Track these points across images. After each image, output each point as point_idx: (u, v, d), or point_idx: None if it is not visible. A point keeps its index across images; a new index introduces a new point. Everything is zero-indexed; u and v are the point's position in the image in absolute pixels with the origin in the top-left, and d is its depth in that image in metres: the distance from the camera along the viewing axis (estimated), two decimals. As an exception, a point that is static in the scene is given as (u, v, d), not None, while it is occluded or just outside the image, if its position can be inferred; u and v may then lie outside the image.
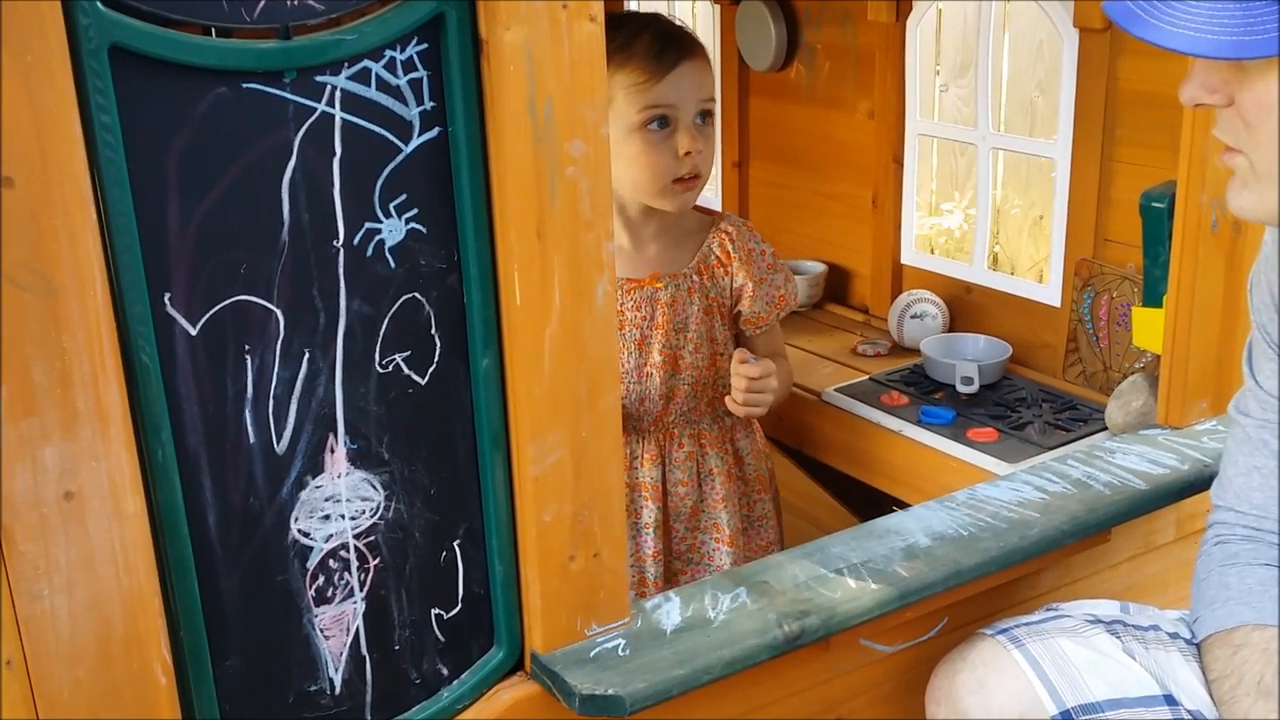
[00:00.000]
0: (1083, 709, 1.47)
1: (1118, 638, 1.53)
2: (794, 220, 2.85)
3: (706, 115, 1.94)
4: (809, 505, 2.53)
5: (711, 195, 3.06)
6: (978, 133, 2.45)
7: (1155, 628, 1.56)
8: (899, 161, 2.56)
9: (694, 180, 1.95)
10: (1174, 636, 1.54)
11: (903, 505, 2.23)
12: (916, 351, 2.43)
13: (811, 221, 2.82)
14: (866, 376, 2.38)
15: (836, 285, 2.79)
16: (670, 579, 2.10)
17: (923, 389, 2.29)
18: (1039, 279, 3.56)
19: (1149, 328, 1.91)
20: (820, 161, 2.76)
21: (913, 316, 2.48)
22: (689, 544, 2.11)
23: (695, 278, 2.02)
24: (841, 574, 1.53)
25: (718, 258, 2.03)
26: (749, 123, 2.92)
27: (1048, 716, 1.47)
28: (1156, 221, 1.88)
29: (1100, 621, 1.56)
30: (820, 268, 2.77)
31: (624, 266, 2.02)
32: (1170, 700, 1.49)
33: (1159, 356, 1.92)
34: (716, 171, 2.99)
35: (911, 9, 2.47)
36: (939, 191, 3.56)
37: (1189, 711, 1.48)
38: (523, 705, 1.40)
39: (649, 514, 2.06)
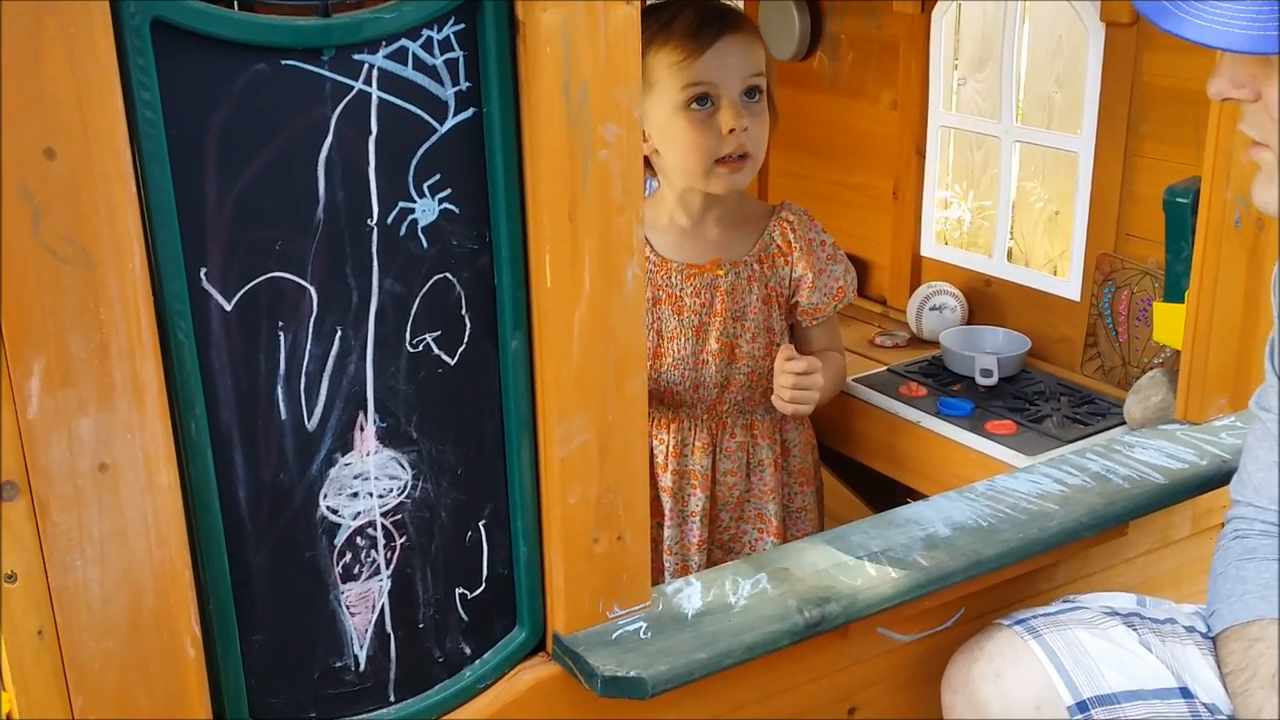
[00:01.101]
0: (1099, 700, 1.47)
1: (1134, 630, 1.54)
2: (813, 210, 2.79)
3: (755, 91, 1.91)
4: (825, 496, 2.53)
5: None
6: (1001, 125, 2.45)
7: (1171, 620, 1.56)
8: (921, 153, 2.56)
9: (741, 161, 1.91)
10: (1190, 630, 1.55)
11: (916, 496, 2.24)
12: (935, 343, 2.43)
13: (831, 212, 2.80)
14: (885, 367, 2.38)
15: (855, 276, 2.79)
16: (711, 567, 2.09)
17: (941, 381, 2.29)
18: (1053, 273, 3.56)
19: (1170, 323, 1.92)
20: (841, 152, 2.76)
21: (932, 308, 2.48)
22: (732, 533, 2.11)
23: (755, 266, 2.01)
24: (862, 562, 1.53)
25: (779, 246, 2.02)
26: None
27: (1064, 707, 1.48)
28: (1180, 217, 1.89)
29: (1117, 614, 1.57)
30: (839, 258, 2.77)
31: (685, 252, 2.01)
32: (1186, 693, 1.49)
33: (1178, 352, 1.92)
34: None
35: (937, 1, 2.47)
36: (952, 184, 3.56)
37: (1204, 704, 1.48)
38: (544, 686, 1.41)
39: (697, 502, 2.06)
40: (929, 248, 2.61)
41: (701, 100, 1.88)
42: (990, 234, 3.92)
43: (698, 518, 2.06)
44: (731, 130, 1.87)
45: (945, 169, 2.69)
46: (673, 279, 1.99)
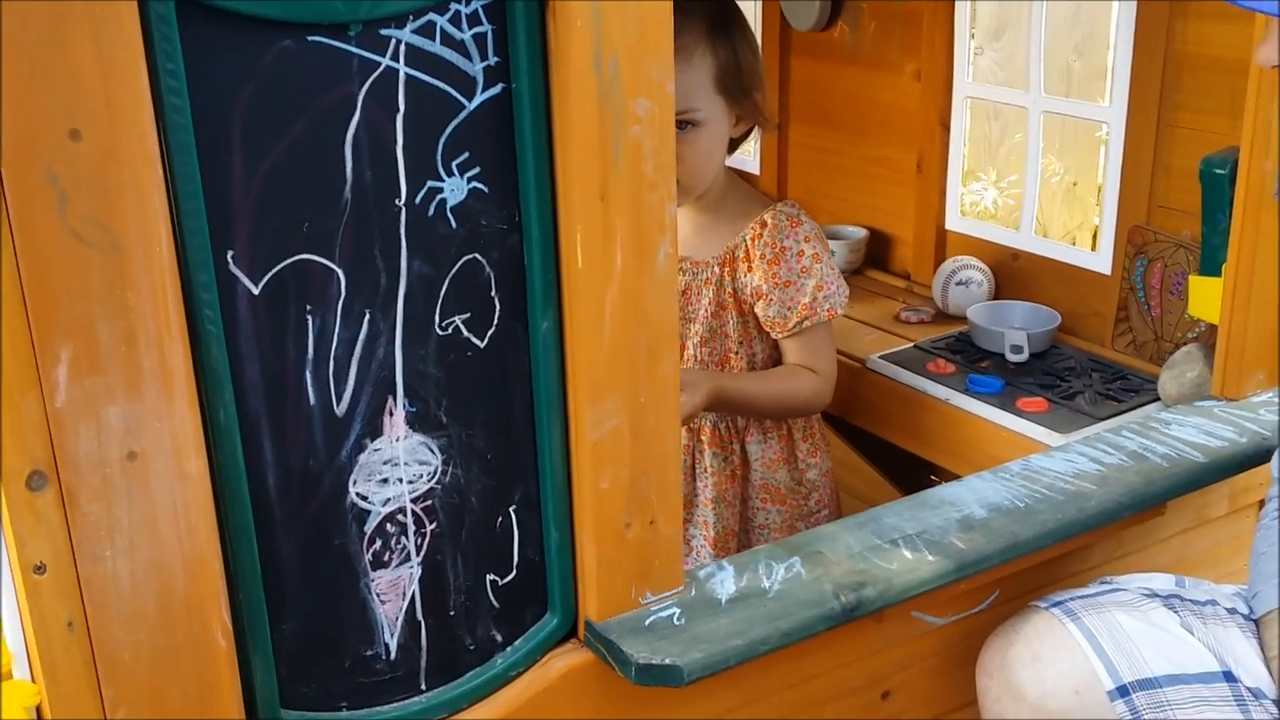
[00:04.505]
0: (1140, 684, 1.45)
1: (1175, 612, 1.52)
2: (835, 184, 2.82)
3: (684, 124, 1.80)
4: (847, 474, 2.51)
5: (749, 158, 3.02)
6: (1029, 96, 2.40)
7: (1213, 602, 1.54)
8: (945, 125, 2.52)
9: None
10: (1232, 612, 1.53)
11: (941, 474, 2.21)
12: (960, 319, 2.40)
13: (853, 186, 2.78)
14: (911, 344, 2.35)
15: (877, 251, 2.75)
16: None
17: (969, 357, 2.26)
18: (1071, 244, 3.52)
19: (1206, 297, 1.88)
20: (863, 125, 2.72)
21: (958, 283, 2.45)
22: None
23: (716, 269, 1.93)
24: (897, 545, 1.51)
25: (745, 251, 1.92)
26: (790, 84, 2.87)
27: (1104, 691, 1.46)
28: (1217, 188, 1.85)
29: (1156, 595, 1.54)
30: (861, 233, 2.73)
31: None
32: (1229, 677, 1.47)
33: (1213, 326, 1.89)
34: (755, 135, 2.94)
35: (962, -30, 2.43)
36: (971, 158, 3.53)
37: (1248, 688, 1.46)
38: (576, 673, 1.39)
39: None
40: (954, 221, 2.57)
41: None
42: (1009, 207, 3.89)
43: None
44: None
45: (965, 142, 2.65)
46: None
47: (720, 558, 1.97)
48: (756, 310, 1.93)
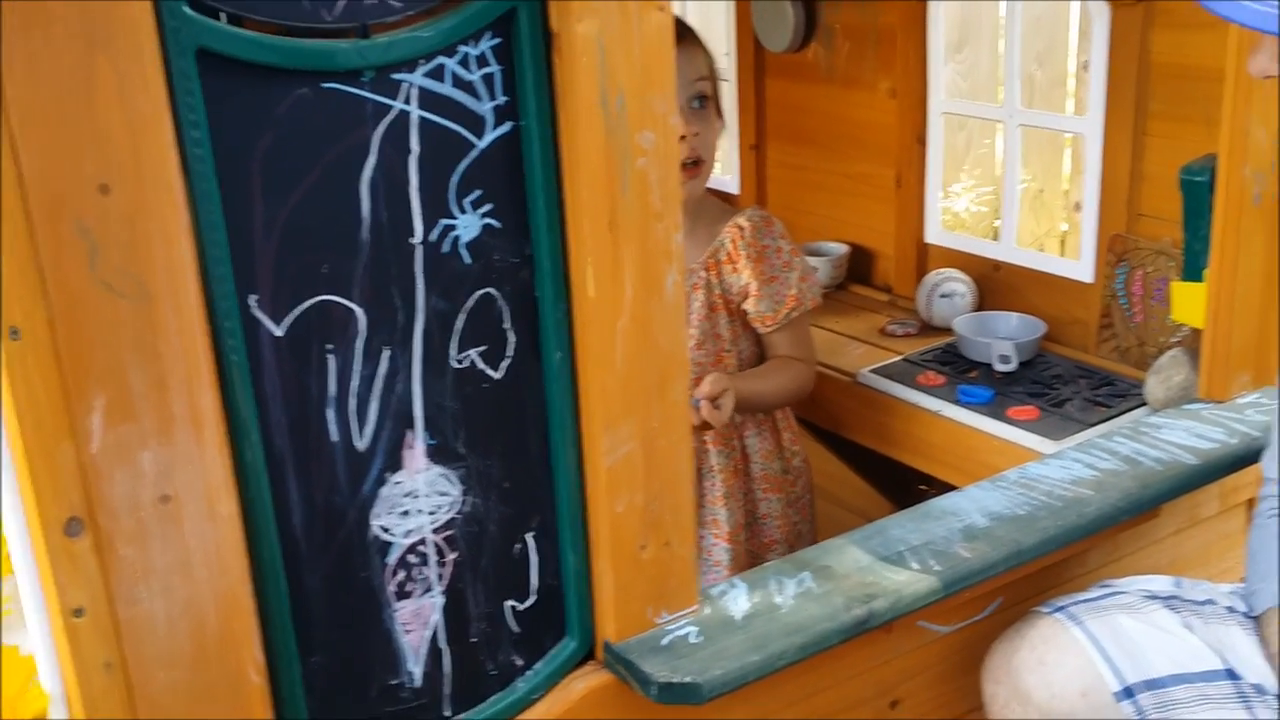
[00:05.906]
0: (1145, 685, 1.48)
1: (1176, 612, 1.55)
2: (813, 202, 2.85)
3: (703, 99, 1.92)
4: (837, 488, 2.54)
5: (729, 178, 3.05)
6: (1004, 110, 2.45)
7: (1211, 601, 1.57)
8: (922, 140, 2.56)
9: (695, 168, 1.93)
10: (1231, 610, 1.56)
11: (931, 484, 2.24)
12: (946, 330, 2.43)
13: (832, 203, 2.81)
14: (900, 357, 2.38)
15: (859, 266, 2.79)
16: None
17: (958, 368, 2.29)
18: (1039, 250, 3.56)
19: (1189, 302, 1.92)
20: (840, 142, 2.76)
21: (942, 295, 2.48)
22: None
23: (702, 273, 2.01)
24: (903, 556, 1.53)
25: (728, 253, 2.01)
26: (766, 104, 2.91)
27: (1110, 693, 1.48)
28: (1197, 195, 1.89)
29: (1157, 597, 1.57)
30: (843, 249, 2.77)
31: None
32: (1231, 674, 1.50)
33: (1197, 331, 1.93)
34: (734, 154, 2.98)
35: (935, -13, 2.47)
36: (945, 171, 3.57)
37: (1251, 685, 1.49)
38: (596, 694, 1.41)
39: None
40: (934, 234, 2.61)
41: None
42: (980, 214, 3.93)
43: None
44: (682, 137, 1.88)
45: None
46: None
47: (734, 552, 2.05)
48: (746, 307, 2.02)
